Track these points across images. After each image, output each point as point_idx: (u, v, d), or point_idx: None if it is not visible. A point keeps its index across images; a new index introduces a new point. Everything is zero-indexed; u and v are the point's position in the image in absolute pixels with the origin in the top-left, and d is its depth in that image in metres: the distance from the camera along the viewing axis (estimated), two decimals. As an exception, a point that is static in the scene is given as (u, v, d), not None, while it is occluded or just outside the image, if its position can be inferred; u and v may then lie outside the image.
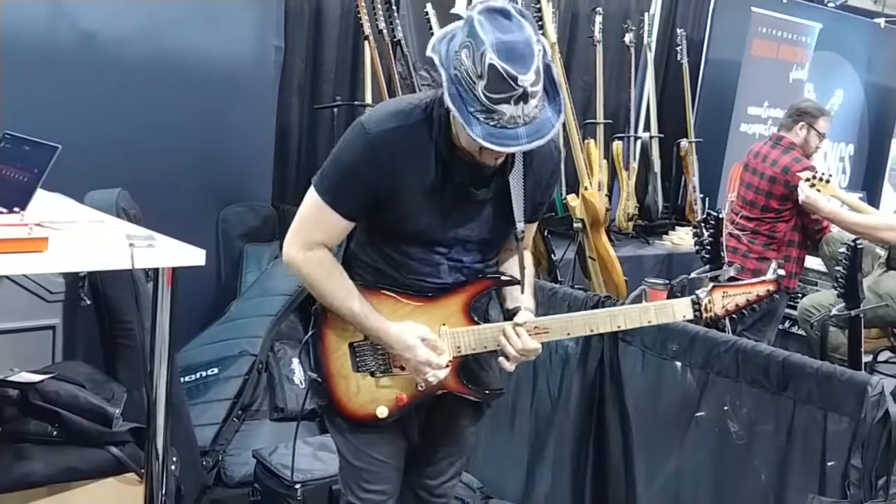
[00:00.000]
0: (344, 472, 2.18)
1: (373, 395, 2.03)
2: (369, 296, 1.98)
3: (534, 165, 1.97)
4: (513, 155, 1.89)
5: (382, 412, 2.03)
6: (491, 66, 1.64)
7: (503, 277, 2.08)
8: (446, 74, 1.71)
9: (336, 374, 2.04)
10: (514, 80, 1.65)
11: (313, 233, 1.96)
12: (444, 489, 2.29)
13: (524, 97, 1.66)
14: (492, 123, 1.68)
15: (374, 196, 1.90)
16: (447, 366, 2.00)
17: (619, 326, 2.09)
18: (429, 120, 1.87)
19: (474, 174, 1.88)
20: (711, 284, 2.11)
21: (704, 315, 2.08)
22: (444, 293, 2.00)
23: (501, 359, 2.02)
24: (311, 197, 1.96)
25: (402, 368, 2.02)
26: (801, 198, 4.13)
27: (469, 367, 2.08)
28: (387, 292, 2.00)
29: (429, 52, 1.77)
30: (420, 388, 2.03)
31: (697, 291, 2.09)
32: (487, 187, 1.92)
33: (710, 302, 2.07)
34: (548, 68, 1.73)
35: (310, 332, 2.07)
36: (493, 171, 1.90)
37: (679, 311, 2.08)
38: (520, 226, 1.95)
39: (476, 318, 2.02)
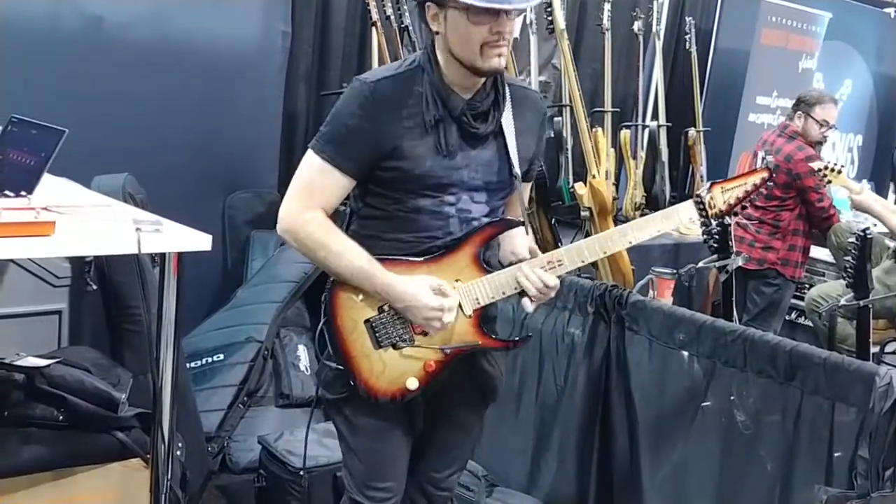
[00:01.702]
0: (350, 470, 2.17)
1: (400, 369, 2.01)
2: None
3: (521, 111, 2.03)
4: (502, 95, 1.98)
5: (413, 384, 2.01)
6: None
7: (507, 219, 2.09)
8: None
9: (357, 355, 2.01)
10: None
11: (312, 197, 1.95)
12: (449, 482, 2.28)
13: None
14: None
15: (377, 146, 1.91)
16: (460, 315, 2.00)
17: (630, 242, 2.07)
18: (419, 67, 1.96)
19: (470, 107, 1.94)
20: (709, 182, 2.12)
21: (710, 212, 2.08)
22: (452, 249, 2.00)
23: (524, 300, 2.02)
24: (310, 159, 1.96)
25: (424, 334, 2.00)
26: (854, 199, 4.08)
27: (490, 318, 2.08)
28: (395, 260, 1.99)
29: None
30: (447, 352, 2.00)
31: (697, 191, 2.10)
32: (485, 122, 1.96)
33: (711, 199, 2.08)
34: None
35: (322, 321, 2.04)
36: (488, 107, 1.97)
37: (685, 212, 2.09)
38: (516, 168, 2.00)
39: (487, 268, 2.02)
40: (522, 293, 2.02)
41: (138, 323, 2.90)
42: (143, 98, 3.60)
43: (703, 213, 2.09)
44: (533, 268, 2.00)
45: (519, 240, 2.12)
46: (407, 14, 4.28)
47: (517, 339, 2.17)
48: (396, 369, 2.01)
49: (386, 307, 1.99)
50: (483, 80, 1.95)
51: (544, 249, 4.51)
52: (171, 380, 2.27)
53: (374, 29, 4.14)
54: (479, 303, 2.01)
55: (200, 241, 2.15)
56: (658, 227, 2.07)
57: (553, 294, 2.03)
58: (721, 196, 2.08)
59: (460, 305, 2.00)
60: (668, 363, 2.75)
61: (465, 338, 2.02)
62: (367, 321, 2.00)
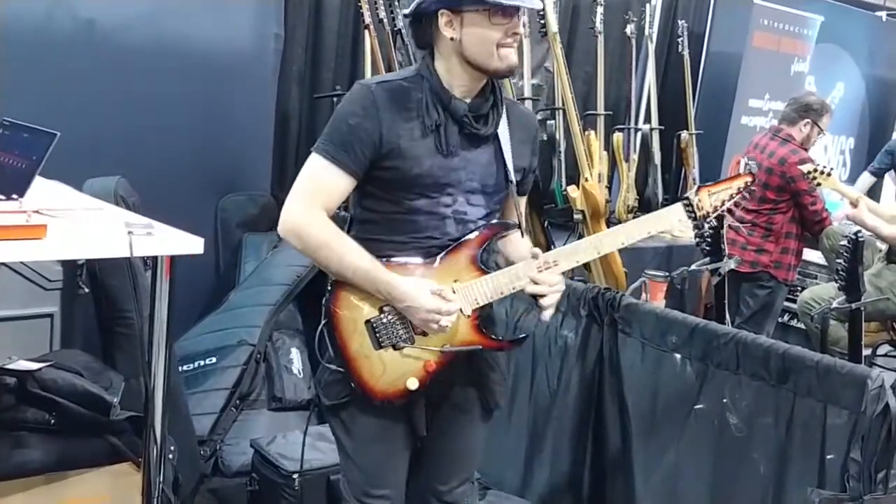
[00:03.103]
0: (347, 476, 2.16)
1: (400, 369, 2.02)
2: None
3: (515, 123, 2.09)
4: (500, 102, 2.05)
5: (413, 384, 2.01)
6: None
7: (505, 222, 2.13)
8: None
9: (357, 356, 2.01)
10: None
11: (314, 196, 1.97)
12: (454, 496, 2.25)
13: None
14: None
15: (376, 143, 1.94)
16: (459, 316, 2.01)
17: (623, 242, 2.13)
18: (419, 76, 2.02)
19: (470, 110, 2.00)
20: (696, 186, 2.17)
21: (698, 214, 2.13)
22: (451, 251, 2.03)
23: (543, 314, 2.05)
24: (312, 160, 1.99)
25: (424, 334, 2.01)
26: (846, 214, 4.10)
27: (488, 319, 2.10)
28: (393, 262, 2.00)
29: (410, 10, 1.98)
30: (445, 351, 2.02)
31: (685, 194, 2.15)
32: (485, 124, 2.02)
33: (699, 201, 2.13)
34: None
35: (322, 323, 2.05)
36: (487, 111, 2.02)
37: (674, 214, 2.14)
38: (511, 168, 2.06)
39: (485, 269, 2.05)
40: (536, 306, 2.05)
41: (130, 326, 2.89)
42: (136, 100, 3.59)
43: (692, 215, 2.13)
44: (530, 270, 2.03)
45: (522, 246, 2.16)
46: (400, 17, 4.27)
47: (514, 339, 2.20)
48: (396, 370, 2.02)
49: (387, 308, 2.00)
50: (483, 84, 2.01)
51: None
52: (163, 383, 2.26)
53: (366, 32, 4.14)
54: (477, 303, 2.03)
55: (193, 245, 2.15)
56: (649, 228, 2.13)
57: (561, 287, 2.06)
58: (708, 199, 2.13)
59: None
60: (660, 366, 2.76)
61: (465, 338, 2.04)
62: (367, 322, 2.01)
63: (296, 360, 3.73)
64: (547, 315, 2.06)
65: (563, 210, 4.82)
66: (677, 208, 2.14)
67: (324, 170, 1.96)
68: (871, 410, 2.22)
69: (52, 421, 2.45)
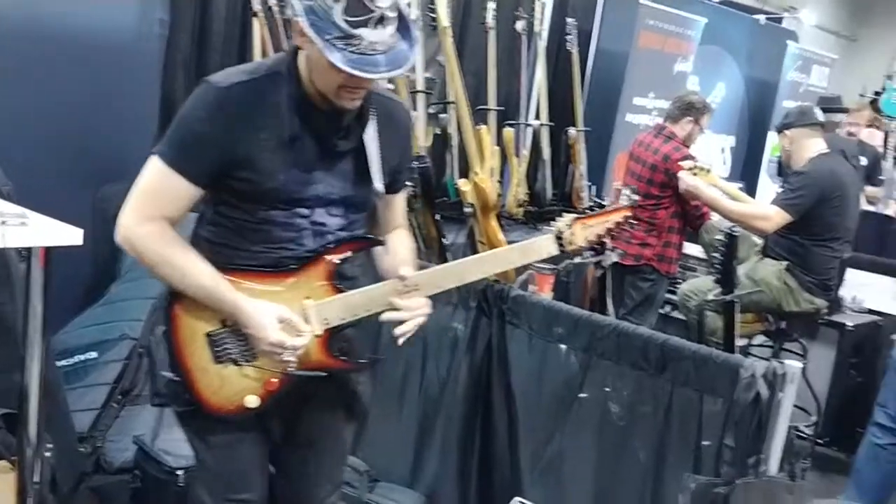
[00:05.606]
0: (205, 480, 2.04)
1: (239, 385, 1.90)
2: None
3: (386, 126, 1.95)
4: (368, 110, 1.89)
5: (253, 402, 1.91)
6: None
7: (367, 237, 2.01)
8: (301, 6, 1.71)
9: (194, 368, 1.89)
10: (372, 1, 1.67)
11: (155, 205, 1.85)
12: None
13: (381, 20, 1.69)
14: (351, 49, 1.68)
15: (226, 155, 1.80)
16: (303, 346, 1.89)
17: (486, 272, 2.08)
18: (277, 74, 1.84)
19: (332, 124, 1.86)
20: (573, 217, 2.11)
21: (568, 248, 2.08)
22: (306, 264, 1.90)
23: (395, 329, 1.95)
24: (153, 166, 1.86)
25: None
26: (681, 186, 4.26)
27: (340, 339, 1.97)
28: (242, 273, 1.88)
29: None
30: (290, 370, 1.89)
31: (558, 225, 2.09)
32: (346, 139, 1.88)
33: (572, 234, 2.08)
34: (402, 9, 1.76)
35: (162, 328, 1.92)
36: (350, 123, 1.88)
37: (544, 247, 2.08)
38: (378, 185, 1.92)
39: (341, 287, 1.93)
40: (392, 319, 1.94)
41: (4, 319, 2.77)
42: (10, 85, 3.44)
43: (563, 249, 2.09)
44: (391, 294, 1.93)
45: (401, 255, 2.04)
46: (290, 5, 4.21)
47: (363, 360, 2.08)
48: (235, 386, 1.91)
49: (229, 322, 1.88)
50: None
51: (428, 245, 4.53)
52: (39, 378, 2.18)
53: (255, 19, 4.06)
54: (328, 323, 1.92)
55: (70, 236, 2.08)
56: (517, 258, 2.10)
57: (425, 311, 1.97)
58: (582, 232, 2.09)
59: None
60: (546, 356, 2.81)
61: (312, 358, 1.93)
62: (207, 334, 1.90)
63: (181, 354, 3.65)
64: (400, 340, 1.95)
65: (455, 203, 4.84)
66: (548, 240, 2.08)
67: (165, 176, 1.83)
68: (743, 398, 2.31)
69: (-81, 419, 2.34)
